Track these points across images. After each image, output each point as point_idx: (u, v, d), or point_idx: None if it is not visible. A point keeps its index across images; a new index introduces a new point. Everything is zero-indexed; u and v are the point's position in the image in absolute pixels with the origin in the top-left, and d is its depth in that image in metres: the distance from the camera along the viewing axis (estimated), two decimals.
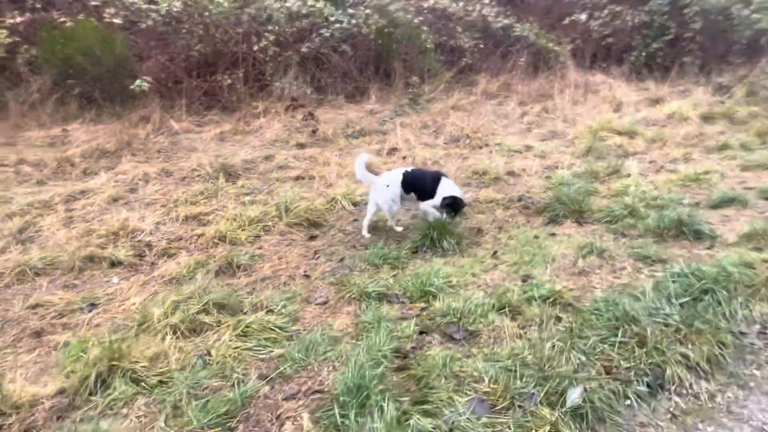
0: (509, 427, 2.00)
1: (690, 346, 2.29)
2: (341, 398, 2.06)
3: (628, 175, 5.41)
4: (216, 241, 4.32)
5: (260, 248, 4.28)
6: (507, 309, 2.73)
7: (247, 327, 2.86)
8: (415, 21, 8.85)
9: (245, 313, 3.14)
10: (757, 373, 2.30)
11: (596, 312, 2.55)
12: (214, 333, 2.90)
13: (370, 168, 4.73)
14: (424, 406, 2.09)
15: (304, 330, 2.95)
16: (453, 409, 2.07)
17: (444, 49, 9.79)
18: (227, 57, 8.27)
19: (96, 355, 2.55)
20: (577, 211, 4.44)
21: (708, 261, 3.12)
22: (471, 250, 3.98)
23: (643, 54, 10.02)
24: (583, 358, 2.25)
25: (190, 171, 5.72)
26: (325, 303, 3.33)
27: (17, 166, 5.84)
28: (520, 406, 2.08)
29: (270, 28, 8.32)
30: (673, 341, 2.32)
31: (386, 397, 2.02)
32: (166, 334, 2.90)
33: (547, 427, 1.99)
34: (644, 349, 2.28)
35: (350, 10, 8.74)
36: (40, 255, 4.05)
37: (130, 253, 4.16)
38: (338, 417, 2.02)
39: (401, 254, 3.94)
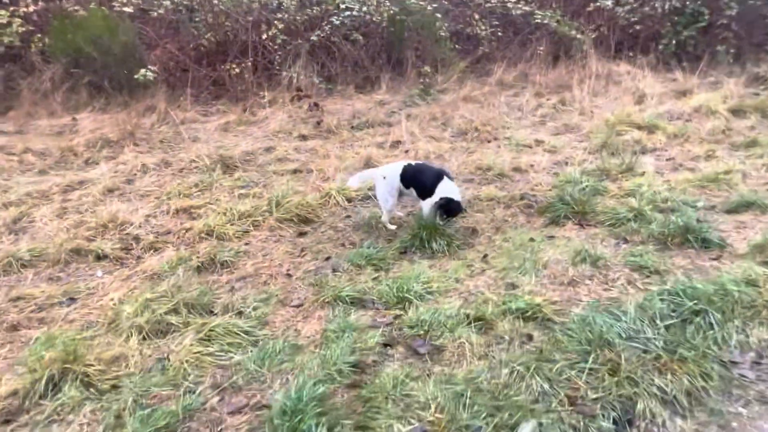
0: None
1: (669, 376, 2.04)
2: (275, 420, 1.93)
3: (643, 174, 5.08)
4: (203, 235, 4.24)
5: (247, 244, 4.18)
6: (479, 322, 2.54)
7: (211, 330, 2.75)
8: (429, 8, 8.56)
9: (215, 315, 3.05)
10: (743, 411, 2.00)
11: (569, 332, 2.33)
12: (179, 335, 2.81)
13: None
14: None
15: (272, 335, 2.83)
16: None
17: (460, 37, 9.47)
18: (236, 46, 8.18)
19: (52, 356, 2.49)
20: (580, 212, 4.17)
21: (712, 273, 2.84)
22: (461, 252, 3.79)
23: (673, 42, 9.45)
24: (546, 386, 2.04)
25: (189, 162, 5.66)
26: (300, 306, 3.20)
27: (22, 155, 5.90)
28: None
29: (279, 16, 8.19)
30: (650, 370, 2.08)
31: (322, 422, 1.87)
32: (131, 334, 2.83)
33: None
34: (616, 378, 2.05)
35: None
36: (29, 246, 4.05)
37: (117, 246, 4.13)
38: None
39: (388, 255, 3.78)
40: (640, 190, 4.58)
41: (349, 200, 4.86)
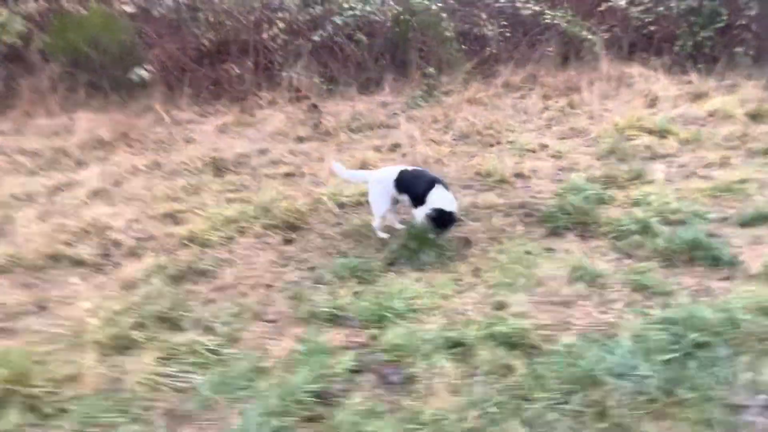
0: None
1: (665, 422, 1.80)
2: None
3: (651, 182, 4.80)
4: (186, 242, 4.08)
5: (231, 252, 4.00)
6: (459, 348, 2.32)
7: (173, 349, 2.57)
8: (434, 7, 8.32)
9: (183, 330, 2.87)
10: None
11: (554, 365, 2.09)
12: (141, 352, 2.64)
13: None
14: None
15: (239, 354, 2.64)
16: None
17: (467, 37, 9.20)
18: (237, 46, 8.04)
19: (2, 375, 2.32)
20: (582, 222, 3.92)
21: (720, 297, 2.58)
22: (453, 264, 3.56)
23: (689, 43, 9.06)
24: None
25: (180, 164, 5.51)
26: (275, 321, 3.01)
27: (14, 156, 5.81)
28: None
29: (281, 15, 8.02)
30: (642, 415, 1.84)
31: None
32: (91, 350, 2.66)
33: None
34: (603, 424, 1.82)
35: None
36: (6, 251, 3.93)
37: (96, 252, 3.99)
38: None
39: (375, 266, 3.57)
40: (647, 200, 4.31)
41: (341, 206, 4.66)
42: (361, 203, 4.69)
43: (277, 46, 7.85)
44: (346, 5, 8.08)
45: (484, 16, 8.94)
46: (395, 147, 5.95)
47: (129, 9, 7.62)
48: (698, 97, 7.46)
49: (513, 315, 2.56)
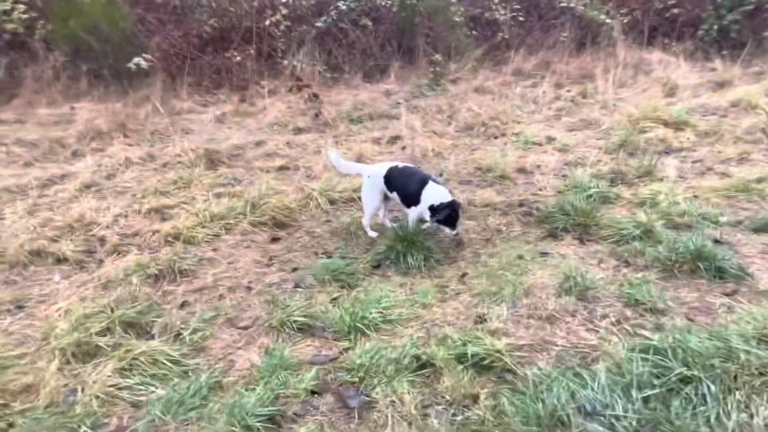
0: None
1: None
2: None
3: (662, 179, 4.51)
4: (170, 239, 3.98)
5: (215, 250, 3.89)
6: (427, 369, 2.15)
7: (134, 359, 2.46)
8: None
9: (150, 337, 2.76)
10: None
11: (521, 398, 1.90)
12: (103, 361, 2.54)
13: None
14: None
15: (203, 366, 2.53)
16: None
17: (478, 22, 8.88)
18: (240, 33, 7.88)
19: None
20: (581, 224, 3.69)
21: (721, 316, 2.34)
22: (440, 268, 3.38)
23: (715, 27, 8.59)
24: None
25: (174, 157, 5.42)
26: (247, 328, 2.89)
27: (11, 147, 5.79)
28: None
29: (284, 0, 7.81)
30: None
31: None
32: (54, 357, 2.57)
33: None
34: None
35: None
36: None
37: (80, 248, 3.91)
38: None
39: (359, 268, 3.41)
40: (656, 199, 4.05)
41: (332, 202, 4.51)
42: (353, 199, 4.53)
43: (279, 33, 7.67)
44: None
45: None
46: (395, 139, 5.75)
47: None
48: (721, 85, 7.06)
49: (490, 332, 2.38)
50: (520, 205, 4.27)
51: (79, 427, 2.08)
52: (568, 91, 7.23)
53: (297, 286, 3.30)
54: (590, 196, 4.14)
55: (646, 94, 6.91)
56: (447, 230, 3.61)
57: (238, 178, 5.05)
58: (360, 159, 5.19)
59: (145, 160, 5.41)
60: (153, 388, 2.34)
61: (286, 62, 7.39)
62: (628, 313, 2.49)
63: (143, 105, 6.80)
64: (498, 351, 2.17)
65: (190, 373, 2.43)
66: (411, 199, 3.64)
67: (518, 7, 8.82)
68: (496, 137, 5.89)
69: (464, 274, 3.21)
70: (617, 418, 1.75)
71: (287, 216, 4.25)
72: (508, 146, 5.55)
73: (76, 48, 7.30)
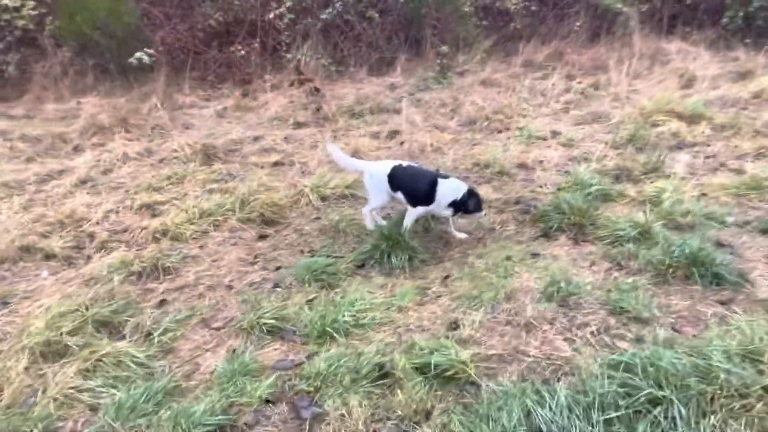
0: None
1: None
2: None
3: (669, 176, 4.28)
4: (158, 236, 3.95)
5: (201, 247, 3.84)
6: (387, 380, 2.04)
7: (98, 360, 2.42)
8: None
9: (122, 337, 2.73)
10: None
11: (476, 417, 1.76)
12: (70, 361, 2.51)
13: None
14: None
15: (168, 367, 2.47)
16: None
17: (489, 12, 8.64)
18: (245, 26, 7.83)
19: None
20: (577, 224, 3.51)
21: (712, 328, 2.15)
22: (425, 268, 3.26)
23: (740, 15, 8.17)
24: None
25: (171, 152, 5.40)
26: (220, 329, 2.82)
27: (15, 142, 5.87)
28: None
29: None
30: None
31: None
32: (23, 357, 2.55)
33: None
34: None
35: None
36: None
37: (70, 244, 3.92)
38: None
39: (341, 268, 3.31)
40: (661, 197, 3.83)
41: (323, 199, 4.41)
42: (345, 196, 4.44)
43: (284, 26, 7.58)
44: None
45: None
46: (394, 134, 5.61)
47: None
48: (743, 76, 6.71)
49: (461, 340, 2.25)
50: (517, 202, 4.11)
51: (31, 430, 2.04)
52: (579, 82, 6.97)
53: (276, 285, 3.22)
54: (590, 193, 3.95)
55: (662, 86, 6.61)
56: (478, 215, 3.57)
57: (233, 173, 5.00)
58: (356, 153, 5.08)
59: (142, 156, 5.41)
60: (114, 391, 2.29)
61: (289, 56, 7.30)
62: (612, 321, 2.33)
63: (146, 100, 6.81)
64: (462, 362, 2.05)
65: (152, 377, 2.38)
66: (420, 198, 3.50)
67: None
68: (499, 131, 5.70)
69: (447, 276, 3.08)
70: None
71: (276, 213, 4.18)
72: (511, 141, 5.37)
73: (83, 43, 7.36)
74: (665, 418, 1.66)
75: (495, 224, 3.83)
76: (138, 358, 2.48)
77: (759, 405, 1.67)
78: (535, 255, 3.27)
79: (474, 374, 2.01)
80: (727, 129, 5.26)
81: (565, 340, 2.22)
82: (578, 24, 8.14)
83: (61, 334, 2.68)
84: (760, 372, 1.81)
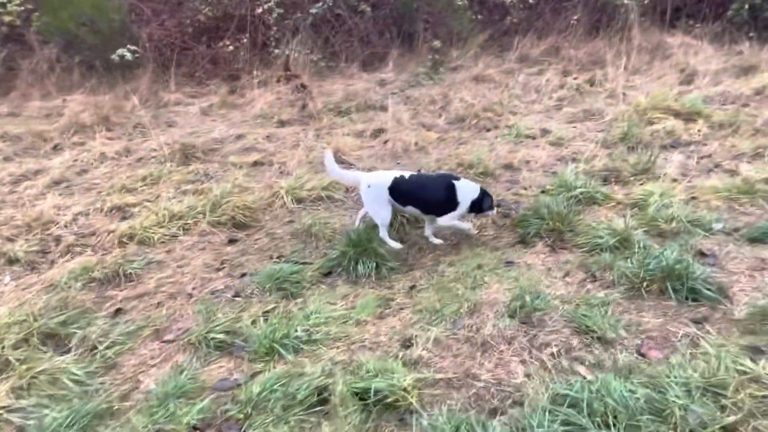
0: None
1: None
2: None
3: (659, 178, 4.08)
4: (125, 240, 3.83)
5: (168, 252, 3.71)
6: (323, 407, 1.89)
7: (33, 377, 2.30)
8: None
9: (67, 351, 2.61)
10: None
11: None
12: (6, 378, 2.39)
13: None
14: None
15: (115, 384, 2.35)
16: None
17: (484, 6, 8.41)
18: (235, 21, 7.68)
19: None
20: (556, 230, 3.33)
21: (676, 353, 1.97)
22: (393, 277, 3.10)
23: (746, 6, 7.86)
24: None
25: (149, 152, 5.28)
26: (171, 342, 2.69)
27: None
28: None
29: None
30: None
31: None
32: None
33: None
34: None
35: None
36: None
37: (35, 248, 3.81)
38: None
39: (306, 276, 3.17)
40: (647, 201, 3.64)
41: (299, 201, 4.26)
42: (321, 198, 4.28)
43: (273, 21, 7.42)
44: None
45: None
46: (378, 132, 5.44)
47: None
48: (745, 71, 6.44)
49: (410, 361, 2.10)
50: (498, 205, 3.93)
51: None
52: (575, 78, 6.74)
53: (237, 295, 3.09)
54: (574, 197, 3.76)
55: (661, 82, 6.37)
56: (491, 213, 3.47)
57: (210, 174, 4.87)
58: (337, 153, 4.92)
59: (120, 155, 5.30)
60: (46, 411, 2.17)
61: (278, 51, 7.14)
62: (574, 342, 2.16)
63: (130, 98, 6.69)
64: (404, 389, 1.89)
65: (88, 396, 2.25)
66: (443, 206, 3.33)
67: None
68: (488, 130, 5.51)
69: (413, 286, 2.92)
70: None
71: (248, 216, 4.04)
72: (498, 140, 5.18)
73: (69, 40, 7.26)
74: None
75: (473, 228, 3.66)
76: (77, 375, 2.35)
77: None
78: (509, 263, 3.10)
79: (415, 402, 1.86)
80: (725, 127, 5.03)
81: (521, 362, 2.06)
82: (576, 17, 7.89)
83: (3, 348, 2.57)
84: (722, 408, 1.64)
